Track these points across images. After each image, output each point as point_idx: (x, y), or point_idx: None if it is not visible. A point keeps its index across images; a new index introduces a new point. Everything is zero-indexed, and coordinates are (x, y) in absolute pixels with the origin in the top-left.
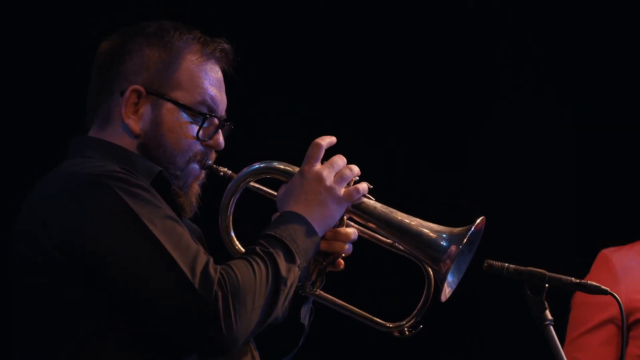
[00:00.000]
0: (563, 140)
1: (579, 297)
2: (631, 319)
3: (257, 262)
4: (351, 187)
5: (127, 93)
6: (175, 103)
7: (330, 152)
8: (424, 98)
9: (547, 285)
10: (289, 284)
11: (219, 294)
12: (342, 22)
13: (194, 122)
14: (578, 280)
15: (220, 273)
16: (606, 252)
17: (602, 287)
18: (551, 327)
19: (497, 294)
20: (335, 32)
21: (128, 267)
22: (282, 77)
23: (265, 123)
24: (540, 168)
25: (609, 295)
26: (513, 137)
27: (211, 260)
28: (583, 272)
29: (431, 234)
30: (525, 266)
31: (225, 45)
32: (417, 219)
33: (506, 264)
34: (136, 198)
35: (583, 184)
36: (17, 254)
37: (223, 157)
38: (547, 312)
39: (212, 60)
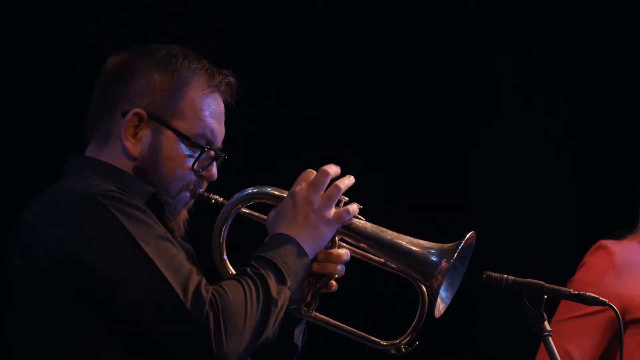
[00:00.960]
0: (563, 141)
1: (577, 283)
2: (630, 317)
3: (248, 283)
4: (341, 209)
5: (129, 115)
6: (177, 132)
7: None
8: (422, 99)
9: (545, 296)
10: (279, 305)
11: (210, 314)
12: (339, 23)
13: (191, 153)
14: (577, 292)
15: (212, 293)
16: (606, 242)
17: (600, 298)
18: (550, 338)
19: (493, 305)
20: (333, 34)
21: (121, 285)
22: (279, 83)
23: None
24: (539, 168)
25: (609, 288)
26: (512, 139)
27: (204, 280)
28: None
29: (422, 251)
30: (524, 275)
31: (231, 79)
32: (408, 237)
33: (505, 275)
34: (131, 218)
35: (583, 186)
36: (13, 267)
37: (213, 184)
38: (546, 323)
39: (217, 93)
